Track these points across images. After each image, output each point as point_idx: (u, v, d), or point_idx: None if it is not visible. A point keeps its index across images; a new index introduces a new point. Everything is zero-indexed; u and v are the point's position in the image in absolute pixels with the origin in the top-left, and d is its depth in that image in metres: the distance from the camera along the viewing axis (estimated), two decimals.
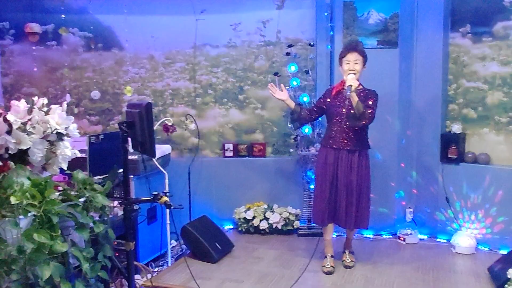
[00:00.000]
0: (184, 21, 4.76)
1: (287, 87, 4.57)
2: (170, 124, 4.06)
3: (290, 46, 4.63)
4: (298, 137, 4.64)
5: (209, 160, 4.91)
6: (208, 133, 4.92)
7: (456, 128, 4.31)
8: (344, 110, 3.56)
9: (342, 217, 3.70)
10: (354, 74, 3.56)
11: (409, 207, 4.57)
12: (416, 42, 4.43)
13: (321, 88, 4.46)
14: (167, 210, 3.91)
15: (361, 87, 3.68)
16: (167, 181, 4.02)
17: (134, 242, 2.84)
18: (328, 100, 3.75)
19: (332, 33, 4.52)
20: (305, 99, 4.58)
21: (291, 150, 4.78)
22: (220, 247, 4.09)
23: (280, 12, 4.71)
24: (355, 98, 3.48)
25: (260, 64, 4.83)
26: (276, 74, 4.68)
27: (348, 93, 3.45)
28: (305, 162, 4.63)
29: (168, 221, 4.02)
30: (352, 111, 3.52)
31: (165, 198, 2.92)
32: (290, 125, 4.66)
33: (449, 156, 4.32)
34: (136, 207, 2.84)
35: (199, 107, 4.91)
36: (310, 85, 4.69)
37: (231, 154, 4.87)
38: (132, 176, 3.78)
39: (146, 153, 2.77)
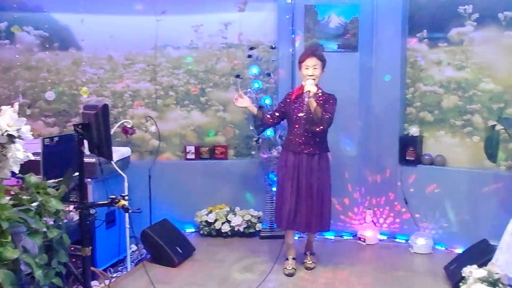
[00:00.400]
0: (144, 22, 4.68)
1: (249, 89, 4.61)
2: (129, 126, 3.97)
3: (252, 48, 4.63)
4: (260, 140, 4.64)
5: (170, 163, 4.83)
6: (169, 135, 4.85)
7: (414, 130, 4.41)
8: (303, 114, 3.58)
9: (303, 222, 3.72)
10: (313, 79, 3.58)
11: (369, 209, 4.65)
12: (375, 46, 4.51)
13: (283, 90, 4.47)
14: (126, 214, 3.82)
15: (320, 91, 3.72)
16: (126, 184, 3.92)
17: (90, 248, 2.76)
18: (288, 104, 3.77)
19: (293, 36, 4.55)
20: (267, 101, 4.59)
21: (253, 152, 4.77)
22: (181, 251, 4.03)
23: (242, 14, 4.70)
24: (313, 104, 3.51)
25: (222, 66, 4.80)
26: (237, 76, 4.67)
27: (307, 99, 3.49)
28: (267, 165, 4.62)
29: (127, 225, 3.93)
30: (311, 116, 3.55)
31: (122, 202, 2.84)
32: (252, 128, 4.67)
33: (407, 158, 4.42)
34: (92, 211, 2.76)
35: (160, 109, 4.83)
36: (272, 87, 4.70)
37: (192, 156, 4.82)
38: (89, 180, 3.67)
39: (103, 155, 2.69)
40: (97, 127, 2.60)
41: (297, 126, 3.68)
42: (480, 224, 4.07)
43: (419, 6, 4.37)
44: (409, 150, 4.40)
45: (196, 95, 4.83)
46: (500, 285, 3.09)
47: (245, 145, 4.85)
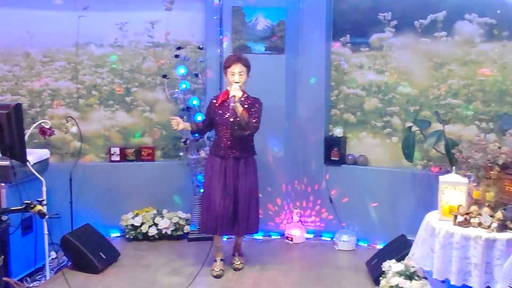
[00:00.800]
0: (65, 17, 4.46)
1: (176, 90, 4.54)
2: (47, 126, 3.75)
3: (179, 48, 4.56)
4: (188, 141, 4.58)
5: (94, 165, 4.64)
6: (92, 136, 4.65)
7: (338, 132, 4.56)
8: (229, 119, 3.59)
9: (231, 225, 3.71)
10: (239, 85, 3.60)
11: (297, 209, 4.73)
12: (301, 49, 4.61)
13: (211, 91, 4.46)
14: (44, 220, 3.61)
15: (245, 95, 3.74)
16: (44, 188, 3.71)
17: (2, 257, 2.57)
18: (213, 109, 3.77)
19: (221, 37, 4.53)
20: (194, 102, 4.55)
21: (181, 153, 4.69)
22: (104, 257, 3.88)
23: (169, 13, 4.62)
24: (239, 109, 3.54)
25: (148, 65, 4.68)
26: (164, 76, 4.58)
27: (232, 104, 3.49)
28: (195, 166, 4.57)
29: (45, 232, 3.71)
30: (237, 121, 3.57)
31: (38, 207, 2.68)
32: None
33: (332, 158, 4.55)
34: (4, 217, 2.57)
35: (82, 109, 4.62)
36: (200, 88, 4.66)
37: (117, 158, 4.65)
38: (2, 184, 3.43)
39: (16, 158, 2.53)
40: (9, 128, 2.43)
41: (223, 130, 3.67)
42: (399, 220, 4.27)
43: (342, 11, 4.52)
44: (334, 151, 4.54)
45: (121, 95, 4.68)
46: (416, 277, 3.27)
47: (173, 146, 4.77)
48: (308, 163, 4.70)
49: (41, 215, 2.67)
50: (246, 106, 3.67)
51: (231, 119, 3.58)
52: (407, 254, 3.40)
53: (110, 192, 4.60)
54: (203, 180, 4.40)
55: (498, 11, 3.79)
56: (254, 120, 3.62)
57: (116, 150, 4.64)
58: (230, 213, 3.70)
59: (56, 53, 4.53)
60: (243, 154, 3.72)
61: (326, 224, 4.70)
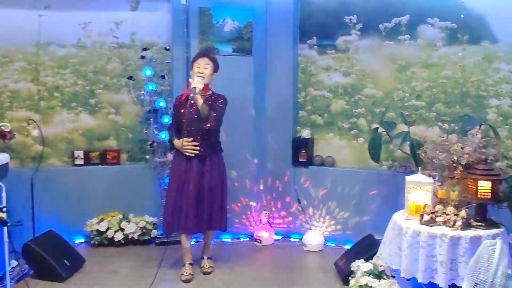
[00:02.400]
0: (24, 16, 4.30)
1: (142, 92, 4.47)
2: (7, 130, 3.61)
3: (145, 49, 4.48)
4: (155, 143, 4.51)
5: (56, 169, 4.49)
6: (55, 140, 4.51)
7: (306, 133, 4.59)
8: (191, 112, 3.55)
9: (197, 223, 3.67)
10: (202, 77, 3.60)
11: (265, 210, 4.74)
12: (268, 51, 4.61)
13: (177, 92, 4.36)
14: (4, 228, 3.46)
15: (210, 91, 3.73)
16: (4, 194, 3.55)
17: None
18: (178, 108, 3.73)
19: (188, 38, 4.48)
20: (161, 104, 4.48)
21: (147, 156, 4.61)
22: (69, 264, 3.76)
23: (134, 13, 4.53)
24: (199, 101, 3.53)
25: (113, 67, 4.58)
26: (130, 78, 4.49)
27: (192, 95, 3.47)
28: (162, 169, 4.50)
29: (6, 240, 3.56)
30: (198, 113, 3.55)
31: (0, 215, 2.58)
32: (146, 131, 4.53)
33: (300, 159, 4.58)
34: None
35: (44, 112, 4.47)
36: (166, 90, 4.59)
37: (81, 162, 4.52)
38: None
39: None
40: None
41: (187, 128, 3.61)
42: (366, 220, 4.36)
43: (309, 14, 4.56)
44: (302, 152, 4.57)
45: (85, 96, 4.55)
46: (385, 276, 3.32)
47: (139, 149, 4.68)
48: (276, 164, 4.71)
49: (2, 222, 2.58)
50: (209, 102, 3.65)
51: (193, 112, 3.55)
52: (375, 253, 3.45)
53: (74, 196, 4.47)
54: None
55: (462, 16, 3.90)
56: (214, 114, 3.60)
57: (80, 153, 4.52)
58: (194, 211, 3.64)
59: (15, 53, 4.36)
60: (207, 152, 3.69)
61: (294, 225, 4.72)
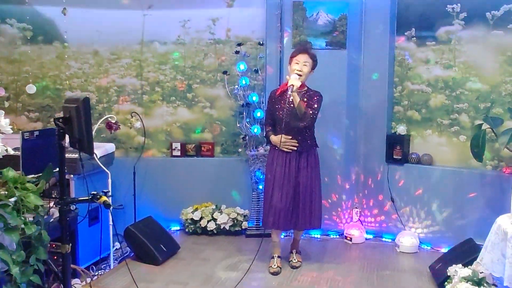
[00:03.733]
0: (131, 16, 4.61)
1: (236, 86, 4.57)
2: (113, 121, 3.90)
3: (239, 44, 4.58)
4: (247, 137, 4.60)
5: (156, 160, 4.77)
6: (155, 132, 4.79)
7: (401, 129, 4.40)
8: (287, 110, 3.54)
9: (293, 220, 3.68)
10: (300, 75, 3.56)
11: (356, 207, 4.63)
12: (363, 44, 4.49)
13: (270, 87, 4.42)
14: (109, 211, 3.75)
15: (305, 88, 3.69)
16: (110, 180, 3.86)
17: (70, 245, 2.69)
18: (273, 103, 3.74)
19: (281, 33, 4.50)
20: (254, 98, 4.55)
21: (240, 150, 4.72)
22: (165, 249, 3.97)
23: (230, 10, 4.65)
24: (296, 99, 3.49)
25: (209, 62, 4.74)
26: (225, 72, 4.62)
27: (290, 93, 3.45)
28: (254, 162, 4.58)
29: (110, 223, 3.86)
30: (294, 111, 3.52)
31: (104, 198, 2.78)
32: (239, 125, 4.63)
33: (394, 157, 4.41)
34: (72, 207, 2.69)
35: (146, 105, 4.77)
36: (259, 84, 4.66)
37: (178, 153, 4.75)
38: (71, 176, 3.60)
39: (84, 150, 2.62)
40: (78, 121, 2.52)
41: (284, 125, 3.61)
42: (466, 223, 4.08)
43: (407, 4, 4.36)
44: (396, 149, 4.39)
45: (183, 91, 4.77)
46: (485, 284, 3.08)
47: (232, 143, 4.80)
48: (369, 161, 4.58)
49: (106, 205, 2.77)
50: (305, 99, 3.62)
51: (288, 110, 3.52)
52: (474, 259, 3.21)
53: (171, 186, 4.71)
54: (261, 177, 4.43)
55: None
56: (310, 112, 3.56)
57: (177, 145, 4.74)
58: (291, 207, 3.66)
59: (122, 50, 4.69)
60: (304, 147, 3.67)
61: (387, 225, 4.56)
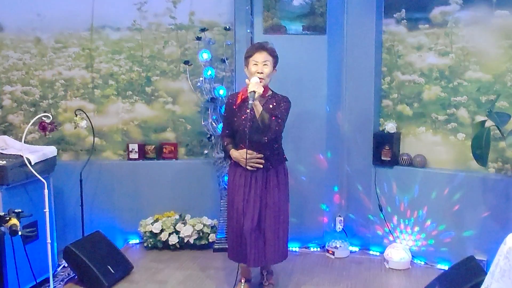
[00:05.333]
0: None
1: (201, 78, 3.97)
2: (48, 121, 3.26)
3: (203, 30, 3.97)
4: (213, 137, 4.00)
5: (111, 164, 4.16)
6: (109, 131, 4.18)
7: (390, 127, 3.84)
8: (247, 121, 2.93)
9: (262, 253, 3.08)
10: (262, 78, 2.96)
11: (339, 215, 4.06)
12: (346, 28, 3.92)
13: (241, 78, 3.80)
14: (47, 226, 3.15)
15: (270, 92, 3.10)
16: (46, 191, 3.23)
17: None
18: (232, 112, 3.12)
19: (252, 16, 3.91)
20: (221, 92, 3.95)
21: (206, 151, 4.13)
22: (113, 271, 3.38)
23: None
24: (258, 108, 2.89)
25: (170, 51, 4.14)
26: (186, 62, 4.02)
27: (251, 101, 2.83)
28: (222, 166, 3.99)
29: (49, 241, 3.25)
30: (256, 123, 2.92)
31: (12, 221, 2.19)
32: (203, 124, 4.05)
33: (383, 158, 3.86)
34: None
35: (98, 101, 4.16)
36: (228, 76, 4.07)
37: (136, 156, 4.16)
38: None
39: None
40: None
41: (244, 136, 2.98)
42: (466, 236, 3.54)
43: None
44: (385, 149, 3.84)
45: (141, 84, 4.16)
46: None
47: (198, 143, 4.22)
48: (354, 163, 4.02)
49: (12, 232, 2.18)
50: (270, 105, 3.04)
51: (248, 121, 2.91)
52: (479, 282, 2.65)
53: (128, 193, 4.14)
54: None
55: None
56: (275, 123, 2.96)
57: (134, 146, 4.15)
58: (259, 238, 3.06)
59: (69, 38, 4.08)
60: (270, 164, 3.08)
61: (374, 236, 4.00)
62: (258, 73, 2.97)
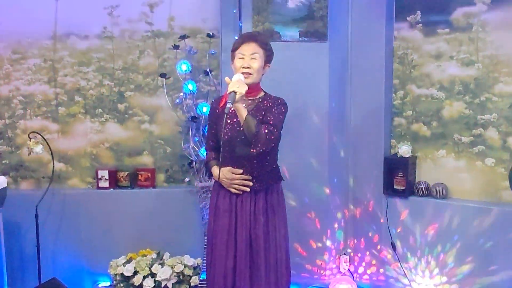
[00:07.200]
0: (38, 2, 3.48)
1: (181, 94, 3.44)
2: None
3: (183, 37, 3.42)
4: (195, 163, 3.43)
5: (76, 193, 3.60)
6: (76, 155, 3.63)
7: (404, 150, 3.30)
8: (230, 129, 2.43)
9: None
10: (249, 73, 2.43)
11: (345, 254, 3.53)
12: (351, 34, 3.45)
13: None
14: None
15: (261, 93, 2.57)
16: None
17: None
18: (216, 118, 2.62)
19: (240, 21, 3.40)
20: (204, 109, 3.39)
21: (187, 179, 3.57)
22: None
23: None
24: (241, 112, 2.35)
25: (147, 62, 3.61)
26: (163, 76, 3.46)
27: (229, 104, 2.27)
28: (205, 196, 3.43)
29: None
30: (240, 131, 2.42)
31: None
32: (184, 147, 3.49)
33: (395, 187, 3.34)
34: None
35: (63, 120, 3.61)
36: (213, 90, 3.53)
37: (107, 184, 3.59)
38: None
39: None
40: None
41: (228, 149, 2.48)
42: (497, 279, 3.01)
43: None
44: (398, 176, 3.32)
45: (112, 101, 3.62)
46: None
47: (180, 168, 3.67)
48: (361, 193, 3.52)
49: None
50: (262, 110, 2.51)
51: (232, 129, 2.45)
52: None
53: (98, 228, 3.57)
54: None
55: None
56: (266, 131, 2.39)
57: (104, 173, 3.58)
58: (244, 274, 2.54)
59: (28, 48, 3.55)
60: (263, 183, 2.55)
61: (386, 278, 3.46)
62: (243, 68, 2.44)
